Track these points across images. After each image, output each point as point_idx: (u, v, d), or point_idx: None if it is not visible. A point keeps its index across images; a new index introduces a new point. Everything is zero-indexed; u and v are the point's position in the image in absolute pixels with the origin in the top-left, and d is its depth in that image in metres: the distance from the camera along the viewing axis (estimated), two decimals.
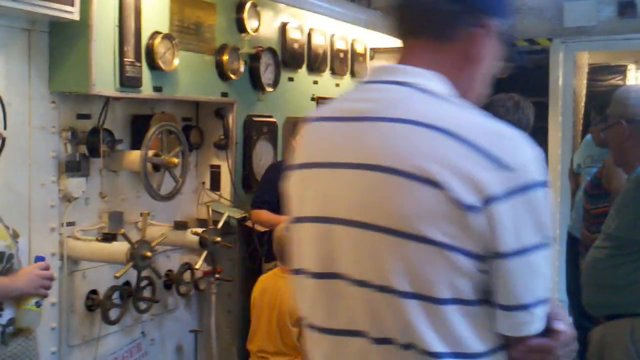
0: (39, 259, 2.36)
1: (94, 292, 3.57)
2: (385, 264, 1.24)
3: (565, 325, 1.31)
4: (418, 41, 1.35)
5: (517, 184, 1.21)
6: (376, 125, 1.29)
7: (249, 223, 4.19)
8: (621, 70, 7.47)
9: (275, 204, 3.89)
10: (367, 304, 1.28)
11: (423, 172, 1.20)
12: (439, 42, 1.34)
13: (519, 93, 3.28)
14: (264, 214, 4.09)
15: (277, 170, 4.00)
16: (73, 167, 3.42)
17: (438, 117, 1.24)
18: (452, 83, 1.33)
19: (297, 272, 1.42)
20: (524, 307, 1.25)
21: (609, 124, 2.80)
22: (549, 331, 1.30)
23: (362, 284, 1.28)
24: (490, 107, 2.83)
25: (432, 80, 1.31)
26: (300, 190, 1.42)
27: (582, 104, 6.73)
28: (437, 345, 1.22)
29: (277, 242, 3.52)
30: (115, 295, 3.59)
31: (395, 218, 1.22)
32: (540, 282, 1.27)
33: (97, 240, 3.46)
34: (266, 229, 4.15)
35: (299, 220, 1.41)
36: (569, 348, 1.33)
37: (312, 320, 1.39)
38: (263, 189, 4.16)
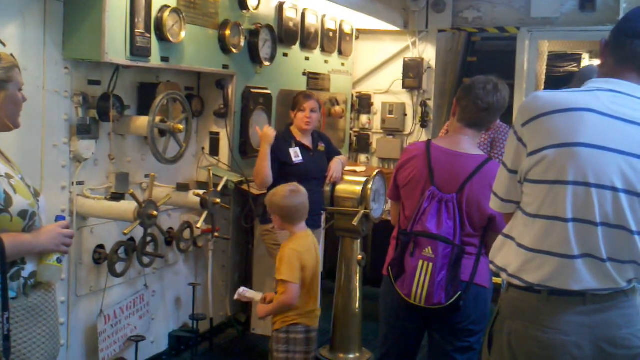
0: (60, 218, 2.23)
1: (101, 246, 3.47)
2: None
3: None
4: None
5: None
6: None
7: (244, 186, 4.10)
8: (576, 59, 7.49)
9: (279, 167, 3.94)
10: None
11: None
12: None
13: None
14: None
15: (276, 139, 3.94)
16: (84, 130, 3.29)
17: None
18: None
19: None
20: None
21: None
22: None
23: None
24: (471, 88, 2.70)
25: None
26: None
27: (542, 87, 6.72)
28: None
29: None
30: (121, 250, 3.49)
31: None
32: None
33: (106, 199, 3.34)
34: (262, 192, 4.06)
35: None
36: None
37: None
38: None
